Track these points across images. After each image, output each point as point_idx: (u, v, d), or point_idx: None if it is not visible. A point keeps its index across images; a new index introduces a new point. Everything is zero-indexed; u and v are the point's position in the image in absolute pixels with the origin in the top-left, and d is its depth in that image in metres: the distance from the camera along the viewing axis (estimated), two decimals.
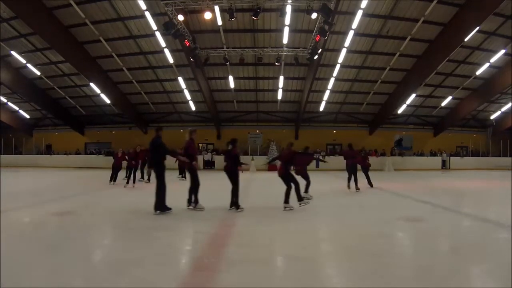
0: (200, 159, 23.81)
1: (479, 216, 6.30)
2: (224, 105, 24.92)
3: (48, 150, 27.20)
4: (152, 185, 8.66)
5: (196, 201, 6.78)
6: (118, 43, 18.69)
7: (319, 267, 3.57)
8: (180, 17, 14.78)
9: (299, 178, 7.65)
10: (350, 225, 5.57)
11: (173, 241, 4.57)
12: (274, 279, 3.26)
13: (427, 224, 5.63)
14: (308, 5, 13.73)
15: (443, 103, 24.19)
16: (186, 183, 7.16)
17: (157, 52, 19.15)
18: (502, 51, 18.63)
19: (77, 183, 12.96)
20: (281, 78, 21.33)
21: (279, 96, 23.30)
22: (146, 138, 25.50)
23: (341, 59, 19.05)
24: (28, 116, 27.18)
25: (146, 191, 9.08)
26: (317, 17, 14.90)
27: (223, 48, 18.44)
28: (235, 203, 6.72)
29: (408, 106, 24.21)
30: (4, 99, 24.51)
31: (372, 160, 12.71)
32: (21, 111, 26.51)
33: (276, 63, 18.67)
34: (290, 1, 14.27)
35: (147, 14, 15.63)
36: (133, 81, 22.07)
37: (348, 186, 9.94)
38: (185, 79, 21.39)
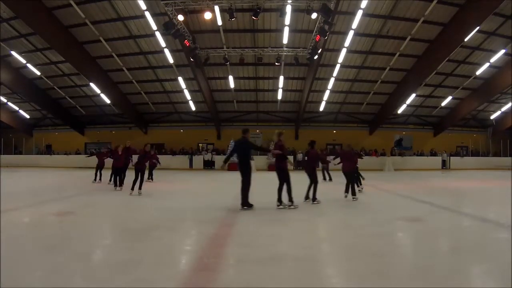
0: (200, 159, 23.84)
1: (479, 216, 6.30)
2: (224, 105, 24.92)
3: (48, 150, 27.20)
4: (152, 185, 8.68)
5: (291, 200, 6.86)
6: (118, 43, 18.70)
7: (319, 267, 3.57)
8: (180, 17, 14.80)
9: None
10: (350, 225, 5.57)
11: (173, 241, 4.57)
12: (274, 279, 3.26)
13: (427, 224, 5.63)
14: (308, 5, 13.75)
15: (443, 103, 24.21)
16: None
17: (157, 52, 19.16)
18: (502, 51, 18.64)
19: (77, 183, 12.95)
20: (281, 78, 21.34)
21: (279, 96, 23.31)
22: (146, 138, 25.63)
23: (341, 59, 19.05)
24: (28, 116, 27.19)
25: (146, 191, 9.08)
26: (317, 17, 14.91)
27: (223, 48, 18.45)
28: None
29: (408, 106, 24.22)
30: (4, 99, 24.53)
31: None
32: (21, 111, 26.53)
33: (276, 63, 18.68)
34: (290, 1, 14.28)
35: (147, 14, 15.65)
36: (133, 81, 22.08)
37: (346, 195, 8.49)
38: (185, 79, 21.40)
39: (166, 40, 17.53)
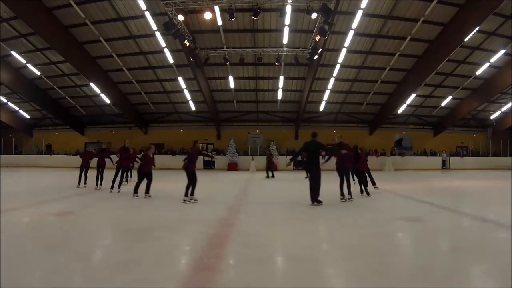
0: (200, 159, 23.84)
1: (479, 216, 6.30)
2: (224, 105, 24.93)
3: (48, 150, 27.20)
4: (152, 185, 8.68)
5: (350, 194, 7.89)
6: (118, 43, 18.70)
7: (319, 267, 3.57)
8: (180, 17, 14.80)
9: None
10: (350, 225, 5.57)
11: (173, 241, 4.57)
12: (274, 279, 3.26)
13: (427, 224, 5.63)
14: (308, 5, 13.74)
15: (443, 103, 24.21)
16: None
17: (157, 52, 19.17)
18: (502, 51, 18.64)
19: (77, 183, 12.92)
20: (281, 78, 21.34)
21: (279, 96, 23.31)
22: (146, 138, 25.62)
23: (341, 59, 19.06)
24: (28, 116, 27.20)
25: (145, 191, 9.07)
26: (317, 17, 14.91)
27: (223, 48, 18.46)
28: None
29: (408, 106, 24.23)
30: (4, 99, 24.53)
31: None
32: (21, 111, 26.53)
33: (276, 63, 18.68)
34: (290, 1, 14.28)
35: (147, 14, 15.65)
36: (133, 81, 22.08)
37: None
38: (185, 79, 21.40)
39: (166, 40, 17.53)
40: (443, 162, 25.04)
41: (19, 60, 20.06)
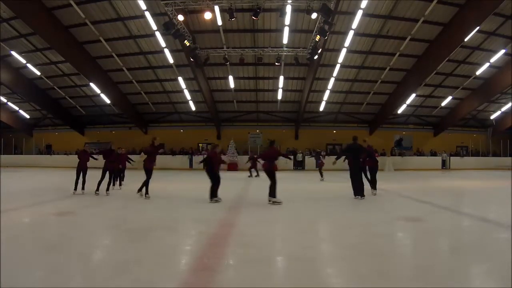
0: (200, 159, 23.80)
1: (479, 216, 6.29)
2: (224, 105, 24.93)
3: (48, 150, 27.20)
4: (151, 185, 8.67)
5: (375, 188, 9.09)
6: (118, 43, 18.70)
7: (319, 267, 3.57)
8: (180, 17, 14.79)
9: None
10: (350, 225, 5.57)
11: (173, 241, 4.57)
12: (274, 279, 3.26)
13: (427, 224, 5.63)
14: (308, 5, 13.74)
15: (443, 103, 24.21)
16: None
17: (157, 52, 19.16)
18: (502, 51, 18.64)
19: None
20: (281, 78, 21.34)
21: (279, 96, 23.31)
22: (146, 138, 25.60)
23: (341, 59, 19.05)
24: (28, 116, 27.20)
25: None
26: (317, 17, 14.91)
27: (223, 48, 18.45)
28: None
29: (408, 106, 24.23)
30: (4, 99, 24.53)
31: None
32: (21, 111, 26.53)
33: (276, 63, 18.68)
34: (290, 1, 14.28)
35: (147, 14, 15.65)
36: (133, 81, 22.08)
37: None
38: (185, 79, 21.40)
39: (166, 40, 17.53)
40: (443, 162, 25.05)
41: (19, 60, 20.05)
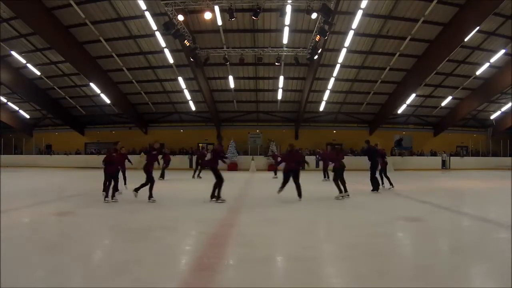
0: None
1: (479, 216, 6.30)
2: (224, 105, 24.93)
3: (48, 150, 27.20)
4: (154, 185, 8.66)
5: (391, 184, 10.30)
6: (118, 43, 18.69)
7: (319, 267, 3.57)
8: (180, 17, 14.79)
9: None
10: (350, 225, 5.57)
11: (173, 241, 4.57)
12: (274, 279, 3.26)
13: (427, 224, 5.63)
14: (308, 5, 13.74)
15: (443, 103, 24.20)
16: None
17: (157, 52, 19.16)
18: (502, 51, 18.63)
19: (77, 183, 12.96)
20: (281, 78, 21.33)
21: (279, 96, 23.31)
22: (146, 138, 25.63)
23: (341, 59, 19.05)
24: (28, 116, 27.19)
25: (145, 191, 9.07)
26: (317, 17, 14.90)
27: (223, 48, 18.45)
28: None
29: (408, 106, 24.21)
30: (4, 99, 24.52)
31: None
32: (21, 111, 26.52)
33: (276, 63, 18.67)
34: (290, 1, 14.28)
35: (147, 14, 15.64)
36: (133, 81, 22.08)
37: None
38: (185, 79, 21.39)
39: (166, 40, 17.52)
40: (443, 162, 25.04)
41: (19, 60, 20.04)
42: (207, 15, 14.82)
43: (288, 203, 7.56)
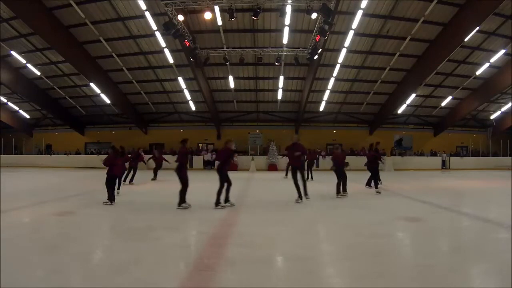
0: (200, 159, 23.83)
1: (479, 216, 6.29)
2: (224, 105, 24.93)
3: (48, 150, 27.20)
4: (151, 185, 8.66)
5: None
6: (118, 43, 18.69)
7: (319, 267, 3.57)
8: (180, 17, 14.78)
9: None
10: (350, 225, 5.57)
11: (173, 241, 4.57)
12: (274, 279, 3.26)
13: (427, 224, 5.63)
14: (308, 5, 13.74)
15: (443, 103, 24.20)
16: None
17: (157, 52, 19.16)
18: (502, 51, 18.62)
19: (77, 183, 12.96)
20: (281, 78, 21.33)
21: (279, 96, 23.31)
22: (146, 138, 25.65)
23: (341, 59, 19.05)
24: (28, 116, 27.19)
25: (146, 191, 9.08)
26: (317, 17, 14.90)
27: (223, 48, 18.44)
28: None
29: (408, 106, 24.22)
30: (4, 99, 24.51)
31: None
32: (21, 111, 26.52)
33: (276, 63, 18.67)
34: (290, 1, 14.27)
35: (147, 14, 15.64)
36: (133, 81, 22.08)
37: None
38: (185, 79, 21.40)
39: (166, 40, 17.52)
40: (443, 162, 25.04)
41: (19, 60, 20.04)
42: (207, 15, 14.82)
43: (288, 203, 7.56)
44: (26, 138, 27.69)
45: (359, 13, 15.30)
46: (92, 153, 26.32)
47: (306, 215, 6.49)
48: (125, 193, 9.00)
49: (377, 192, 9.29)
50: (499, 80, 20.69)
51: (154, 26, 16.44)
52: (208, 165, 23.51)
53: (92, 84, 21.58)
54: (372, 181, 9.94)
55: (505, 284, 2.95)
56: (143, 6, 15.12)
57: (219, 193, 6.99)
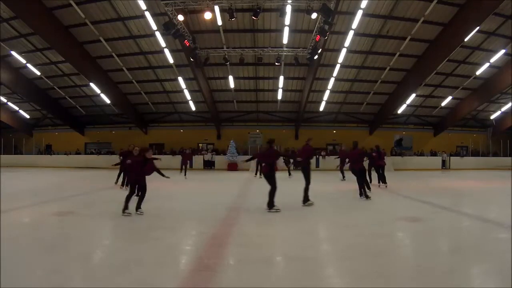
0: (200, 159, 23.86)
1: (479, 216, 6.30)
2: (224, 105, 24.92)
3: (48, 150, 27.20)
4: (151, 185, 8.65)
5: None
6: (118, 43, 18.68)
7: (319, 267, 3.57)
8: (180, 17, 14.77)
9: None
10: (350, 225, 5.57)
11: (173, 241, 4.57)
12: (274, 279, 3.26)
13: (427, 224, 5.63)
14: (308, 5, 13.73)
15: (443, 103, 24.19)
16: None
17: (157, 52, 19.15)
18: (502, 51, 18.62)
19: (77, 183, 12.96)
20: (281, 78, 21.33)
21: (279, 96, 23.30)
22: (146, 138, 25.64)
23: (341, 59, 19.04)
24: (28, 116, 27.18)
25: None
26: (317, 17, 14.89)
27: (223, 48, 18.44)
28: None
29: (408, 106, 24.20)
30: (4, 99, 24.51)
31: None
32: (21, 111, 26.50)
33: (276, 63, 18.66)
34: (290, 1, 14.27)
35: (147, 14, 15.62)
36: (133, 81, 22.08)
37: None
38: (185, 79, 21.39)
39: (166, 40, 17.51)
40: (443, 162, 25.04)
41: (19, 60, 20.02)
42: (207, 15, 14.81)
43: (288, 203, 7.55)
44: (26, 138, 27.68)
45: (359, 13, 15.29)
46: (92, 153, 26.33)
47: (306, 215, 6.49)
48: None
49: (365, 196, 8.33)
50: (499, 80, 20.68)
51: (154, 26, 16.43)
52: (208, 165, 23.53)
53: (92, 84, 21.57)
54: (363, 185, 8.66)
55: (505, 284, 2.96)
56: (143, 6, 15.11)
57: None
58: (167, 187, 11.41)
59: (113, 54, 19.35)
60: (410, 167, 23.34)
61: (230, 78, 21.44)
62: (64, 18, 16.67)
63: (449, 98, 23.49)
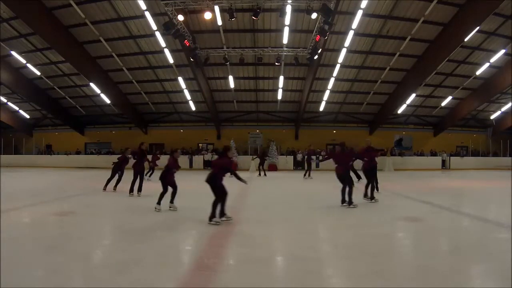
0: (200, 159, 23.87)
1: (479, 216, 6.30)
2: (224, 105, 24.92)
3: (48, 150, 27.20)
4: (151, 185, 8.66)
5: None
6: (118, 43, 18.68)
7: (319, 267, 3.57)
8: (180, 17, 14.78)
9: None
10: (350, 225, 5.57)
11: (173, 241, 4.57)
12: (274, 279, 3.26)
13: (427, 224, 5.63)
14: (308, 5, 13.73)
15: (443, 103, 24.19)
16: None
17: (157, 52, 19.15)
18: (502, 51, 18.62)
19: (77, 183, 12.96)
20: (281, 78, 21.33)
21: (279, 96, 23.30)
22: (146, 138, 25.61)
23: (341, 59, 19.04)
24: (28, 116, 27.18)
25: (145, 191, 9.08)
26: (317, 17, 14.90)
27: (223, 48, 18.44)
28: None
29: (408, 106, 24.20)
30: (4, 99, 24.52)
31: None
32: (21, 111, 26.51)
33: (276, 63, 18.67)
34: (290, 1, 14.27)
35: (147, 14, 15.63)
36: (133, 81, 22.08)
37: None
38: (185, 79, 21.39)
39: (166, 40, 17.51)
40: (443, 162, 25.03)
41: (19, 60, 20.02)
42: (207, 15, 14.82)
43: (288, 203, 7.56)
44: (26, 138, 27.68)
45: (359, 13, 15.29)
46: (92, 153, 26.33)
47: (306, 215, 6.49)
48: (124, 193, 8.99)
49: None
50: (499, 80, 20.68)
51: (154, 26, 16.43)
52: (208, 165, 23.51)
53: (92, 84, 21.57)
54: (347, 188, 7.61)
55: (505, 284, 2.96)
56: (143, 6, 15.11)
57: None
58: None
59: (113, 54, 19.35)
60: (410, 167, 23.34)
61: (230, 78, 21.44)
62: (64, 18, 16.67)
63: (449, 98, 23.49)
